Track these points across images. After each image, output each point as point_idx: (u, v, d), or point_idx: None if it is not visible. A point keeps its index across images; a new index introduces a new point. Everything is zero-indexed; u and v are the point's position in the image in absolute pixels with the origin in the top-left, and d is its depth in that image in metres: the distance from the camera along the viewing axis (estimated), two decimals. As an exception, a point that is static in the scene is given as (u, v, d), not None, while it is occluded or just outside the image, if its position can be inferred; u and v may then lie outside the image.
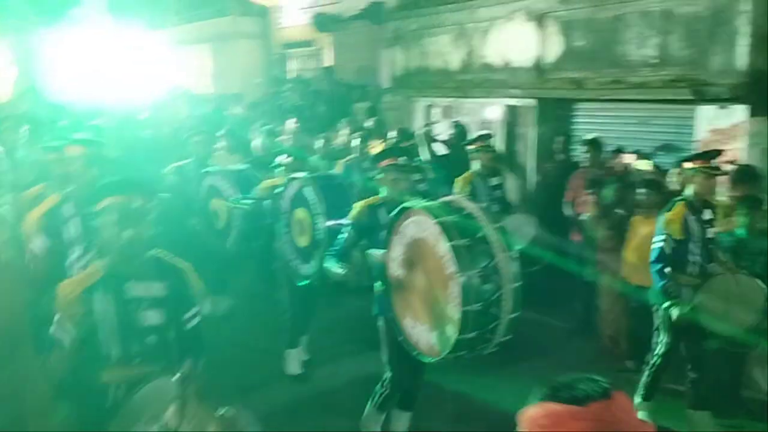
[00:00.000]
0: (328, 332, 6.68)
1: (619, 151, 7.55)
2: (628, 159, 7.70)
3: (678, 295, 4.79)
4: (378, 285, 4.33)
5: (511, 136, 10.02)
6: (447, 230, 3.61)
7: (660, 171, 7.11)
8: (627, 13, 8.26)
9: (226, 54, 17.09)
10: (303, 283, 5.48)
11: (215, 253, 6.56)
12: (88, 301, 2.89)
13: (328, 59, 14.62)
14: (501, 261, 3.65)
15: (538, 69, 9.37)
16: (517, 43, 9.65)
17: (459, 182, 6.69)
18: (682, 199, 4.95)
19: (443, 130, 10.41)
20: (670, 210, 4.91)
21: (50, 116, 8.55)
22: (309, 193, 5.25)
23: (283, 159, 6.06)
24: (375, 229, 4.38)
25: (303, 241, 5.41)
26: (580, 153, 8.19)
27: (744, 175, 5.72)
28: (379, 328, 4.53)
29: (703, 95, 7.40)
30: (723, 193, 5.71)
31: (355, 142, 7.84)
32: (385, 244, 4.15)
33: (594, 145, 7.34)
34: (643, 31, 8.10)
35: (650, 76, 8.04)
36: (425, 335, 3.96)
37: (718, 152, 5.20)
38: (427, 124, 10.36)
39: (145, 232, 2.93)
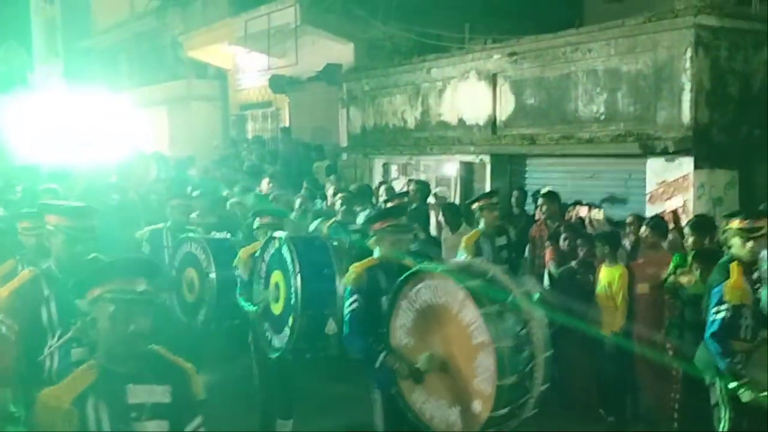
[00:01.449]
0: (319, 415, 5.89)
1: (576, 203, 7.70)
2: (583, 211, 7.84)
3: (745, 374, 4.34)
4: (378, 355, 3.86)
5: (468, 191, 10.18)
6: (476, 296, 3.29)
7: (612, 222, 7.28)
8: (574, 72, 8.59)
9: (182, 116, 17.13)
10: (274, 355, 4.93)
11: (185, 330, 5.87)
12: (81, 414, 2.34)
13: (286, 120, 14.77)
14: (533, 328, 3.38)
15: (492, 126, 9.62)
16: (470, 101, 9.92)
17: (464, 242, 6.27)
18: (733, 261, 4.46)
19: (404, 187, 10.50)
20: (724, 275, 4.43)
21: (5, 180, 8.29)
22: (286, 253, 4.80)
23: (262, 220, 5.60)
24: (376, 293, 4.03)
25: (277, 308, 4.90)
26: (534, 207, 8.32)
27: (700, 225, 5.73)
28: (374, 402, 4.12)
29: (650, 149, 7.67)
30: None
31: (338, 202, 7.41)
32: (389, 311, 3.78)
33: (550, 197, 7.45)
34: (590, 89, 8.42)
35: (599, 131, 8.32)
36: (442, 412, 3.54)
37: (763, 213, 4.85)
38: (383, 182, 10.45)
39: (147, 323, 2.42)
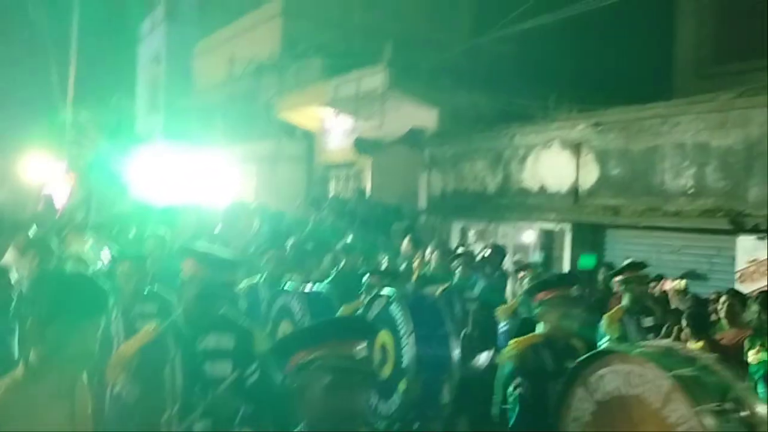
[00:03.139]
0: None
1: (659, 277, 7.43)
2: (667, 284, 7.57)
3: None
4: None
5: (547, 260, 10.02)
6: (687, 388, 2.61)
7: (697, 298, 6.98)
8: (661, 145, 8.46)
9: (270, 175, 17.76)
10: (381, 424, 4.46)
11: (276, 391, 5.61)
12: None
13: (367, 181, 15.07)
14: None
15: (574, 194, 9.52)
16: (553, 169, 9.88)
17: (606, 321, 5.54)
18: None
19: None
20: None
21: (110, 226, 8.43)
22: (395, 311, 4.43)
23: (373, 279, 5.33)
24: (540, 377, 3.53)
25: (384, 372, 4.45)
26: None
27: None
28: None
29: (741, 226, 7.41)
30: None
31: (456, 267, 6.96)
32: (561, 400, 3.08)
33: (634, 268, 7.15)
34: (678, 162, 8.26)
35: (686, 205, 8.11)
36: None
37: None
38: (461, 245, 10.43)
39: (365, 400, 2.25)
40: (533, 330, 3.79)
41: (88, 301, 2.19)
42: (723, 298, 5.95)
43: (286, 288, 5.86)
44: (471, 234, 11.71)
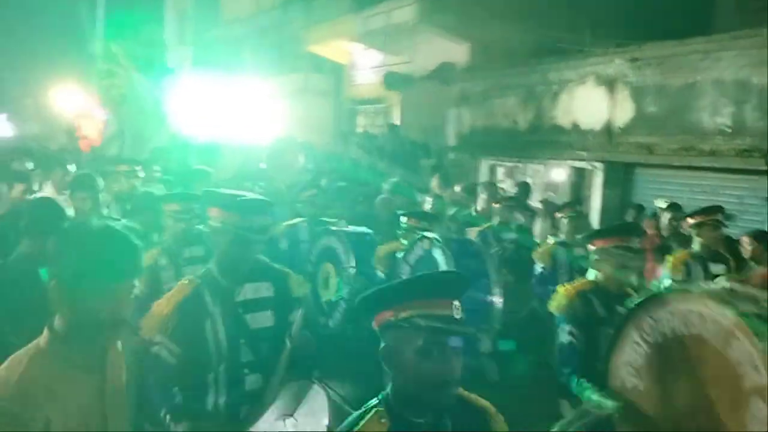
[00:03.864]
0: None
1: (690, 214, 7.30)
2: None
3: None
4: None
5: (577, 198, 9.96)
6: (750, 326, 2.51)
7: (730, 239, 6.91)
8: (699, 81, 8.25)
9: (297, 109, 17.70)
10: None
11: (316, 331, 5.12)
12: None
13: (396, 117, 14.96)
14: None
15: (607, 132, 9.38)
16: (586, 106, 9.71)
17: (669, 262, 5.41)
18: None
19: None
20: None
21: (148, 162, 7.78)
22: (439, 256, 4.32)
23: (410, 221, 5.07)
24: (589, 322, 3.47)
25: None
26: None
27: None
28: None
29: (776, 166, 7.27)
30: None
31: (496, 208, 6.85)
32: (613, 343, 2.91)
33: (668, 210, 7.06)
34: (716, 99, 8.06)
35: (723, 144, 7.96)
36: None
37: None
38: (488, 182, 10.36)
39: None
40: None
41: (121, 259, 1.92)
42: (747, 240, 5.89)
43: (328, 228, 5.56)
44: (500, 172, 11.65)
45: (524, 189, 9.85)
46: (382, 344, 1.84)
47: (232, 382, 2.81)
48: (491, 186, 8.41)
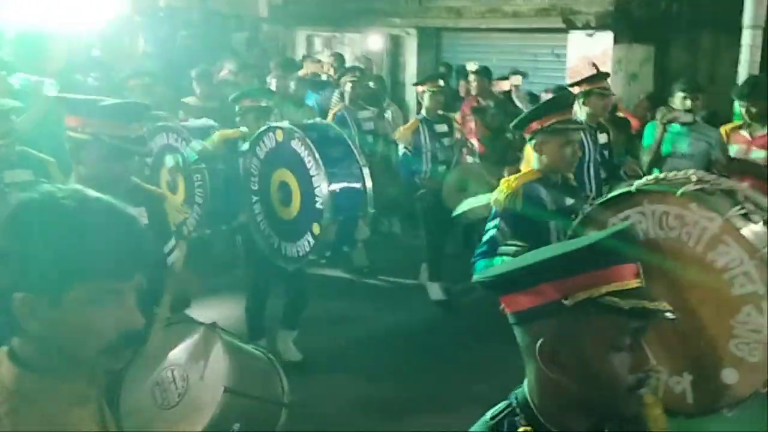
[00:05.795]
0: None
1: (502, 78, 7.75)
2: (504, 85, 7.87)
3: None
4: None
5: (394, 66, 10.14)
6: (739, 229, 2.29)
7: (533, 96, 7.44)
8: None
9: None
10: (291, 266, 4.21)
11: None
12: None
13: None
14: None
15: (418, -2, 9.48)
16: (396, -29, 9.67)
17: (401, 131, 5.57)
18: None
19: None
20: None
21: None
22: (297, 147, 3.93)
23: (245, 103, 4.61)
24: (537, 217, 3.10)
25: (288, 213, 4.08)
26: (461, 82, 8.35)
27: None
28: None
29: (572, 24, 7.80)
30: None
31: (346, 85, 6.51)
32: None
33: (481, 74, 7.44)
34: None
35: (524, 4, 8.37)
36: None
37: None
38: (307, 56, 10.21)
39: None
40: None
41: (126, 244, 1.30)
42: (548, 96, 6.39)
43: (166, 124, 4.85)
44: (317, 42, 11.46)
45: (340, 60, 9.81)
46: (539, 340, 1.25)
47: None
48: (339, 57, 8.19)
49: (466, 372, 4.61)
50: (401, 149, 5.79)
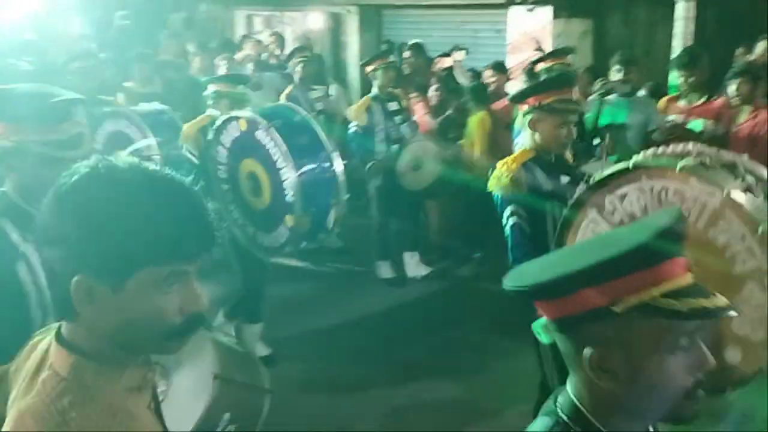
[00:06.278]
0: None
1: (444, 55, 7.75)
2: (446, 61, 7.88)
3: None
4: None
5: (335, 45, 10.04)
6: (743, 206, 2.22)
7: (475, 72, 7.47)
8: None
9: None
10: (268, 257, 4.21)
11: None
12: None
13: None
14: None
15: (358, -25, 9.40)
16: (336, -52, 9.55)
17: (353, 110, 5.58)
18: None
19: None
20: None
21: None
22: (263, 138, 3.79)
23: (219, 87, 4.43)
24: (535, 198, 3.04)
25: (260, 203, 3.95)
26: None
27: None
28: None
29: (511, -2, 7.88)
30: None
31: (297, 65, 6.43)
32: (566, 223, 2.54)
33: (416, 50, 7.41)
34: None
35: (465, -19, 8.40)
36: None
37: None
38: (247, 36, 10.02)
39: None
40: None
41: (196, 219, 1.20)
42: (489, 72, 6.44)
43: (116, 109, 4.66)
44: (257, 22, 11.26)
45: (281, 40, 9.64)
46: (586, 348, 1.15)
47: None
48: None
49: (439, 354, 4.56)
50: (352, 127, 5.73)
